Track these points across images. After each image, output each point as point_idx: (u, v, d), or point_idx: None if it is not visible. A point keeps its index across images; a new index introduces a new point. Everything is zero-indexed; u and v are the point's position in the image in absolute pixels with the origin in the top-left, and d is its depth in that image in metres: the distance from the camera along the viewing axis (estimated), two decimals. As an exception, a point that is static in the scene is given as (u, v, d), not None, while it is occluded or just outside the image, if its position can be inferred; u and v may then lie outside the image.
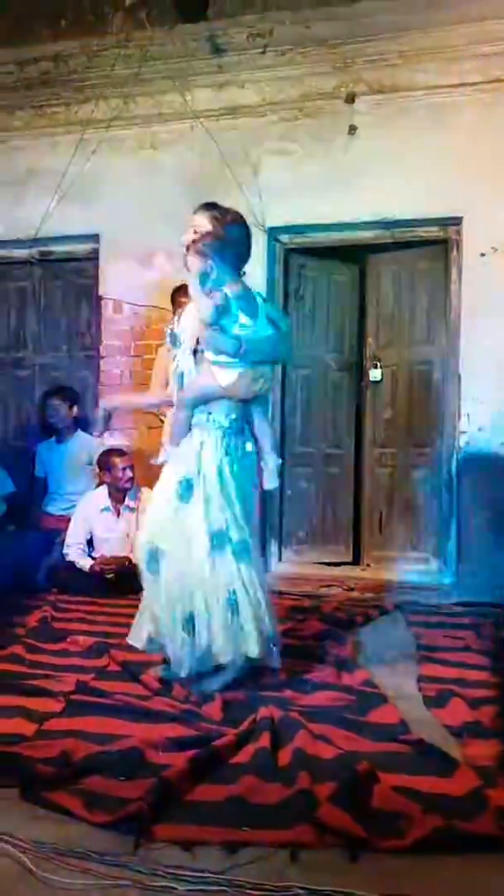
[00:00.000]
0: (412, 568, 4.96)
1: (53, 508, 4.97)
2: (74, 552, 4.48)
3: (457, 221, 4.69)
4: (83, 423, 5.18)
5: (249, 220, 4.73)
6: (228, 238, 2.78)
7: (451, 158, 4.59)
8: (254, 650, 2.71)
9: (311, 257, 5.25)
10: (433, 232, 4.82)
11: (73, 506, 4.71)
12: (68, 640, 3.42)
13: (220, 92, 5.01)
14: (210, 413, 2.81)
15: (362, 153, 4.77)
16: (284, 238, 5.06)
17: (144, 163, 5.16)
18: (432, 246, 4.93)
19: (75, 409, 5.05)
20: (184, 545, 2.73)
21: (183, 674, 2.75)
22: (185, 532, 2.74)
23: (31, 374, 5.79)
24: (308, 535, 5.36)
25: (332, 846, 1.77)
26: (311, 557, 5.30)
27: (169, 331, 3.00)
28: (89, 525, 4.52)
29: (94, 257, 5.38)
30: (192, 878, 1.61)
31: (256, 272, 4.93)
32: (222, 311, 2.72)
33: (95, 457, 4.70)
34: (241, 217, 2.91)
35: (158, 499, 2.86)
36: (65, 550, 4.52)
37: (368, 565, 5.16)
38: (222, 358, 2.76)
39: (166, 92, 5.07)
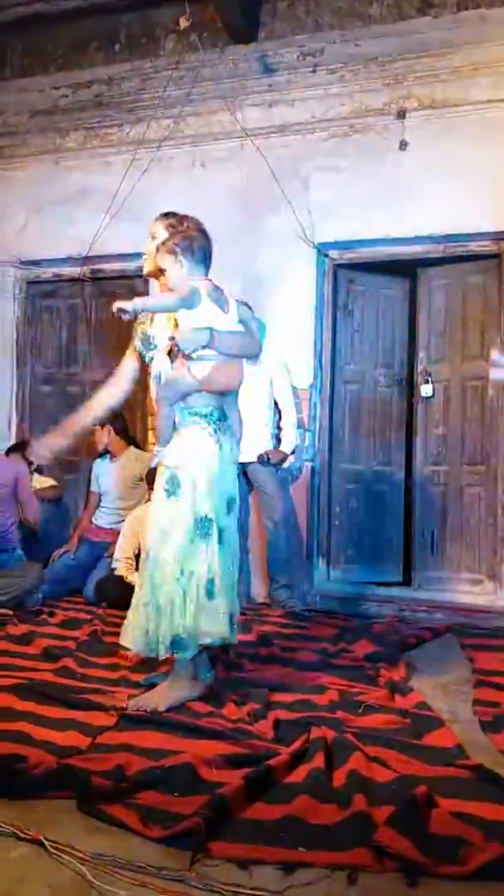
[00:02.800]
0: (465, 589, 4.85)
1: (103, 522, 5.01)
2: (123, 566, 4.50)
3: (510, 235, 4.64)
4: (135, 440, 5.22)
5: (298, 235, 4.89)
6: (194, 238, 2.84)
7: (504, 172, 4.55)
8: (225, 631, 2.75)
9: (361, 272, 5.23)
10: (486, 246, 4.76)
11: (123, 520, 4.73)
12: (118, 654, 3.42)
13: (271, 110, 5.06)
14: (189, 407, 2.81)
15: (413, 168, 4.75)
16: (334, 253, 5.05)
17: (194, 181, 5.22)
18: (485, 260, 4.87)
19: (109, 430, 5.02)
20: (166, 536, 2.75)
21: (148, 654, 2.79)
22: (172, 524, 2.74)
23: (82, 391, 5.87)
24: (357, 554, 5.29)
25: (391, 870, 1.72)
26: (360, 577, 5.22)
27: (141, 333, 3.03)
28: (138, 540, 4.52)
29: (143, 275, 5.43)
30: (251, 897, 1.58)
31: (304, 287, 4.98)
32: (193, 299, 2.75)
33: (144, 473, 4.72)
34: (198, 222, 2.95)
35: (153, 503, 2.86)
36: (113, 564, 4.54)
37: (419, 586, 5.06)
38: (196, 351, 2.76)
39: (216, 111, 5.14)
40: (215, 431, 2.81)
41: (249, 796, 1.99)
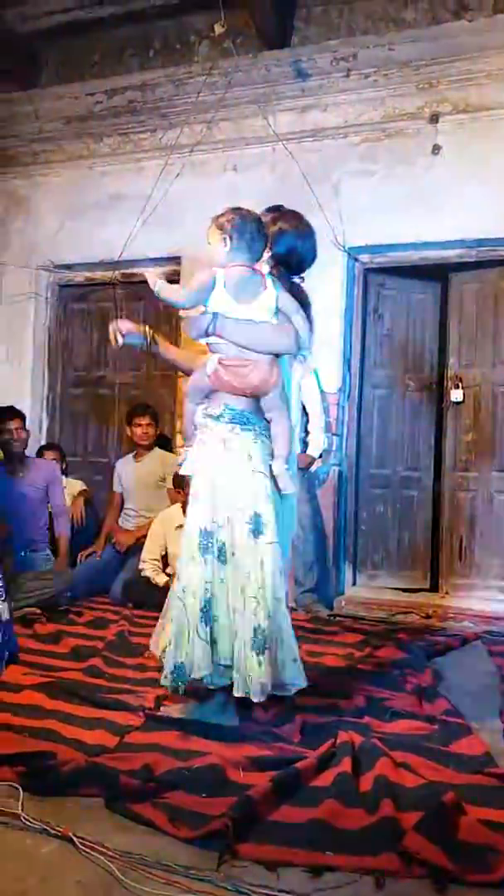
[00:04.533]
0: (494, 597, 4.80)
1: (130, 525, 5.04)
2: (149, 568, 4.53)
3: (543, 240, 4.60)
4: (161, 441, 5.25)
5: (329, 239, 4.88)
6: (248, 221, 2.60)
7: (538, 177, 4.51)
8: (208, 667, 2.46)
9: (391, 276, 5.22)
10: (519, 251, 4.72)
11: (147, 521, 4.76)
12: (145, 655, 3.43)
13: (303, 115, 5.07)
14: (208, 406, 2.59)
15: (446, 173, 4.73)
16: (364, 257, 5.04)
17: (226, 185, 5.22)
18: (518, 265, 4.83)
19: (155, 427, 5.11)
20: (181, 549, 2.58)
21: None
22: (185, 535, 2.57)
23: (112, 393, 5.92)
24: (383, 560, 5.26)
25: (418, 876, 1.71)
26: (387, 583, 5.20)
27: None
28: (164, 542, 4.56)
29: (175, 279, 5.47)
30: (278, 899, 1.59)
31: (334, 291, 4.97)
32: (203, 292, 2.54)
33: (171, 475, 4.74)
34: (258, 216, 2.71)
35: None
36: (140, 566, 4.57)
37: (447, 593, 5.01)
38: (202, 338, 2.59)
39: (249, 116, 5.16)
40: (228, 435, 2.55)
41: (277, 799, 1.99)
